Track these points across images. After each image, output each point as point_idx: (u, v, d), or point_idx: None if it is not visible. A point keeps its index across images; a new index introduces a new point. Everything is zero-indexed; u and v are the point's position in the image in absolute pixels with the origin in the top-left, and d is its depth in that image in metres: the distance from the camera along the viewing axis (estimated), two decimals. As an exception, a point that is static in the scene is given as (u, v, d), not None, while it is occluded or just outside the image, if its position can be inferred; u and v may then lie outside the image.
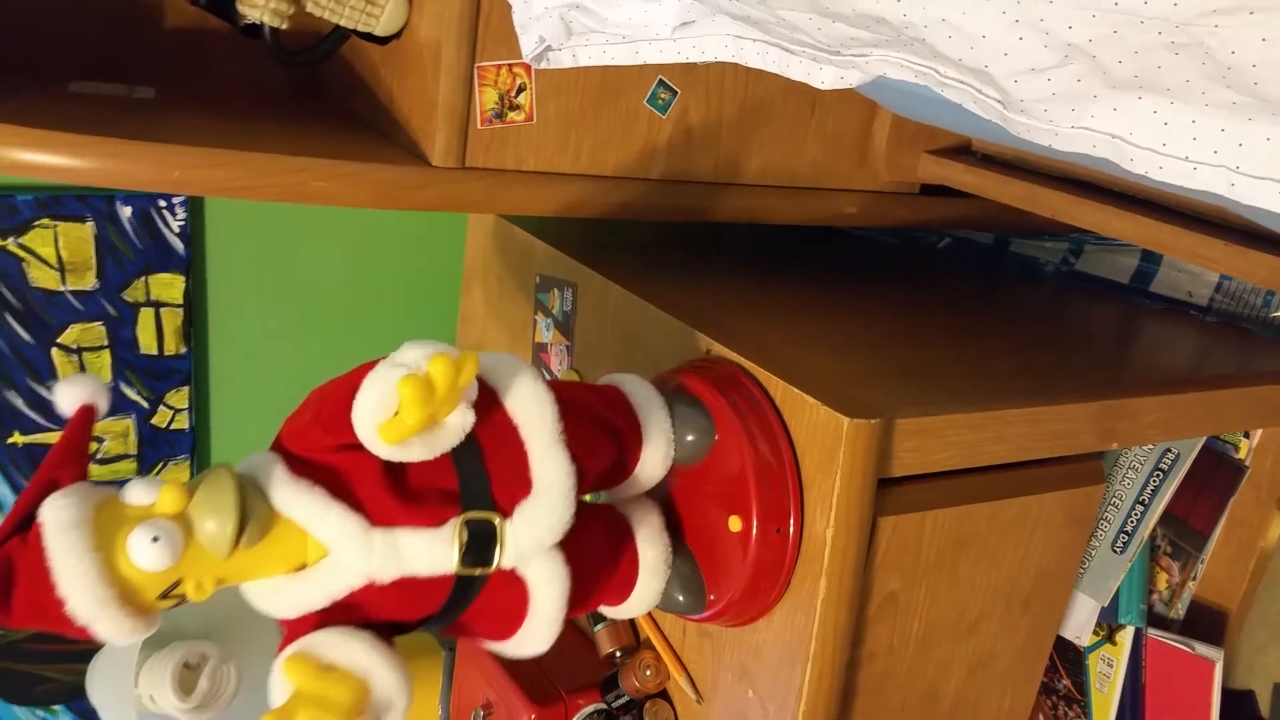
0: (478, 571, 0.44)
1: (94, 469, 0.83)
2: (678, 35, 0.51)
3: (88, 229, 0.78)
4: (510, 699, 0.64)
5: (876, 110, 0.79)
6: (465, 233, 0.89)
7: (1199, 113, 0.36)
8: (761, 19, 0.48)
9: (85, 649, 0.81)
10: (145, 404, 0.83)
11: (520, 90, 0.65)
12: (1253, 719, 0.92)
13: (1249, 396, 0.72)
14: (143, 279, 0.80)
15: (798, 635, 0.54)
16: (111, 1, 0.73)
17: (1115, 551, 0.78)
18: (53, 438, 0.80)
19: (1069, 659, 0.83)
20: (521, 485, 0.45)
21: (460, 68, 0.63)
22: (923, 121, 0.77)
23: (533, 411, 0.45)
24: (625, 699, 0.64)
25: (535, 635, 0.47)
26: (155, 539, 0.36)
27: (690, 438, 0.54)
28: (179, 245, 0.81)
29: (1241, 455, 0.84)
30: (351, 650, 0.41)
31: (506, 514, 0.44)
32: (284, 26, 0.65)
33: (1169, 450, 0.78)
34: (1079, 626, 0.79)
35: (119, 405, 0.82)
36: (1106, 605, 0.78)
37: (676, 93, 0.70)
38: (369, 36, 0.67)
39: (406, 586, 0.43)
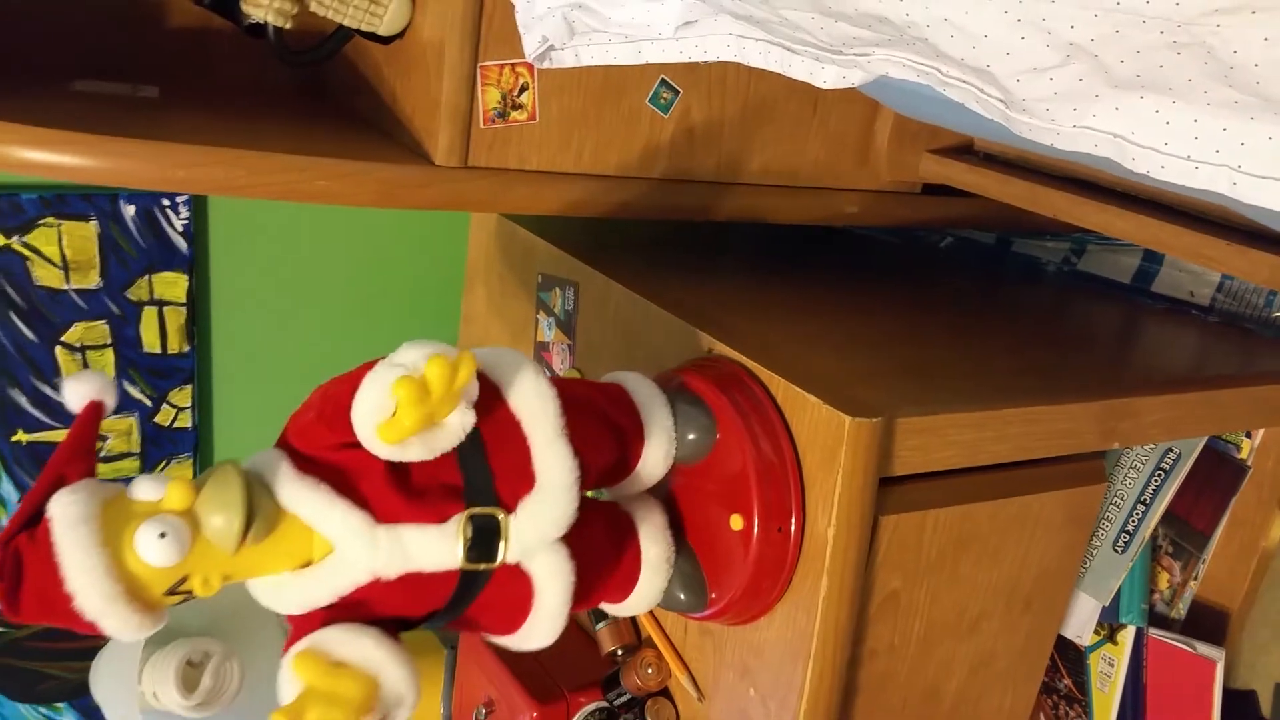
0: (482, 566, 0.44)
1: (98, 467, 0.84)
2: (680, 35, 0.51)
3: (91, 227, 0.78)
4: (512, 697, 0.64)
5: (878, 109, 0.79)
6: (468, 232, 0.89)
7: (1201, 112, 0.37)
8: (764, 18, 0.48)
9: (88, 646, 0.81)
10: (148, 402, 0.83)
11: (523, 90, 0.65)
12: (1254, 719, 0.92)
13: (1251, 396, 0.72)
14: (146, 277, 0.81)
15: (799, 634, 0.54)
16: (115, 1, 0.73)
17: (1117, 551, 0.78)
18: (57, 436, 0.81)
19: (1070, 658, 0.83)
20: (525, 480, 0.45)
21: (463, 67, 0.63)
22: (925, 121, 0.77)
23: (535, 406, 0.46)
24: (627, 697, 0.64)
25: (540, 628, 0.47)
26: (163, 535, 0.37)
27: (692, 436, 0.54)
28: (182, 244, 0.81)
29: (1243, 455, 0.84)
30: (361, 647, 0.41)
31: (510, 509, 0.44)
32: (288, 26, 0.65)
33: (1170, 450, 0.78)
34: (1080, 626, 0.79)
35: (122, 404, 0.82)
36: (1108, 605, 0.78)
37: (679, 92, 0.70)
38: (372, 36, 0.67)
39: (412, 582, 0.43)
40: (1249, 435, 0.84)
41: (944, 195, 0.84)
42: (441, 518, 0.43)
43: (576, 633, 0.69)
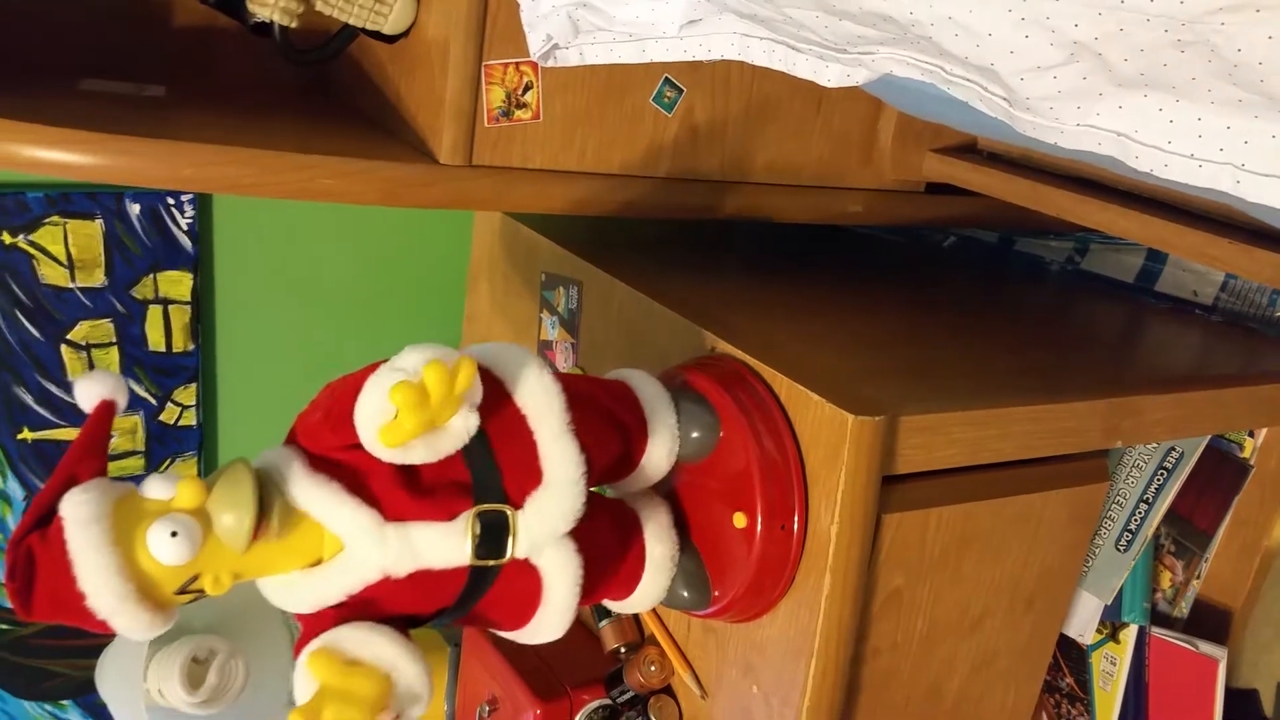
0: (491, 562, 0.44)
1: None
2: (684, 33, 0.51)
3: (97, 226, 0.78)
4: (515, 694, 0.65)
5: (882, 108, 0.79)
6: (471, 230, 0.90)
7: (1205, 110, 0.37)
8: (768, 17, 0.48)
9: (94, 644, 0.82)
10: (153, 401, 0.83)
11: (527, 88, 0.65)
12: (1256, 718, 0.92)
13: (1254, 395, 0.72)
14: (151, 276, 0.81)
15: (802, 631, 0.54)
16: (122, 0, 0.73)
17: (1119, 550, 0.78)
18: (62, 434, 0.81)
19: (1072, 657, 0.84)
20: (532, 476, 0.45)
21: (468, 66, 0.63)
22: (928, 119, 0.77)
23: (541, 402, 0.46)
24: (630, 694, 0.64)
25: (550, 622, 0.47)
26: (174, 534, 0.37)
27: (695, 434, 0.54)
28: (187, 242, 0.81)
29: (1246, 454, 0.84)
30: (375, 645, 0.41)
31: (518, 505, 0.44)
32: (293, 25, 0.65)
33: (1173, 449, 0.78)
34: (1082, 625, 0.79)
35: (127, 402, 0.83)
36: (1110, 603, 0.78)
37: (682, 91, 0.70)
38: (377, 35, 0.67)
39: (421, 580, 0.43)
40: (1252, 434, 0.84)
41: (947, 194, 0.84)
42: (450, 515, 0.43)
43: (579, 630, 0.69)
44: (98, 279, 0.79)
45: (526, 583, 0.46)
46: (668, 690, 0.64)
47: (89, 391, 0.40)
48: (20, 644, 0.82)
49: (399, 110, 0.69)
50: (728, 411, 0.54)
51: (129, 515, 0.38)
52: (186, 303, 0.83)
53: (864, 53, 0.45)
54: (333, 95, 0.81)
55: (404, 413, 0.39)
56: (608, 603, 0.55)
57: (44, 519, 0.38)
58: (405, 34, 0.67)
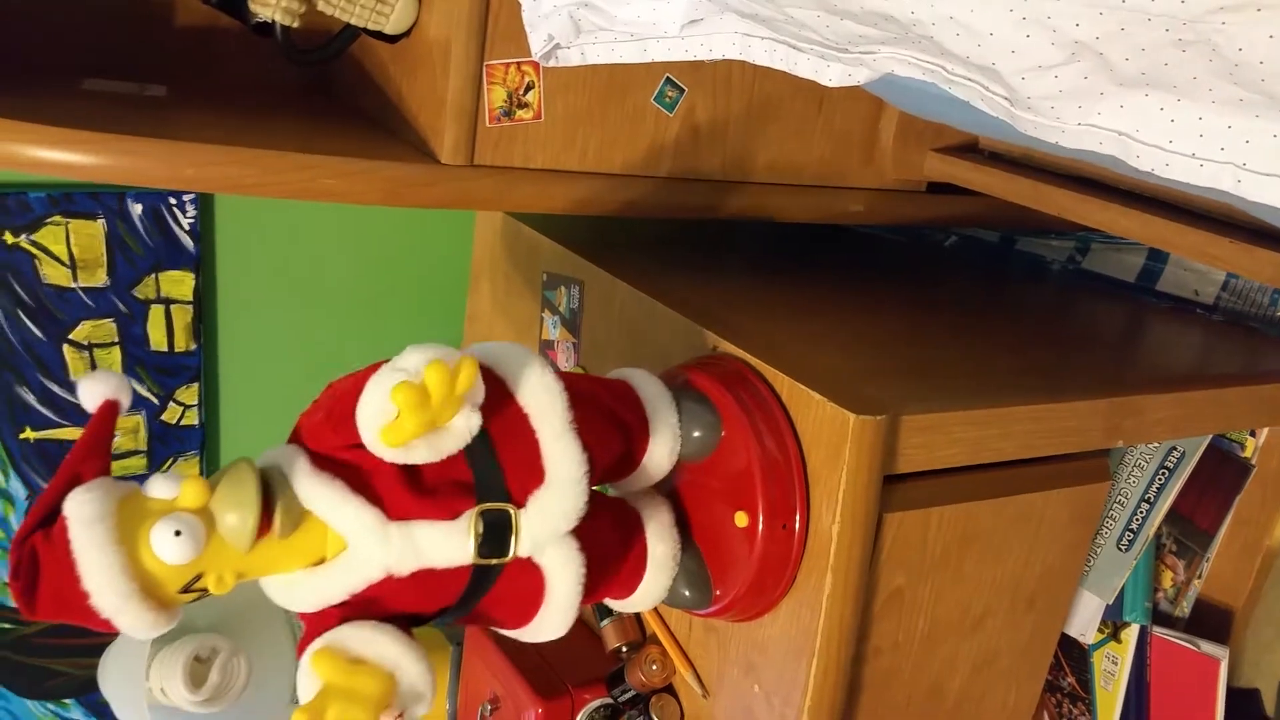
0: (494, 561, 0.44)
1: (104, 464, 0.84)
2: (686, 33, 0.51)
3: (99, 226, 0.78)
4: (517, 693, 0.65)
5: (883, 108, 0.79)
6: (473, 230, 0.90)
7: (1206, 110, 0.37)
8: (770, 16, 0.48)
9: (96, 643, 0.82)
10: (155, 400, 0.84)
11: (529, 88, 0.65)
12: (1258, 717, 0.92)
13: (1255, 395, 0.72)
14: (153, 276, 0.81)
15: (803, 631, 0.54)
16: (123, 0, 0.73)
17: (1120, 549, 0.78)
18: (64, 433, 0.81)
19: (1074, 656, 0.84)
20: (534, 475, 0.45)
21: (469, 66, 0.63)
22: (930, 119, 0.77)
23: (543, 401, 0.46)
24: (631, 694, 0.64)
25: (552, 620, 0.47)
26: (178, 533, 0.37)
27: (697, 434, 0.54)
28: (189, 242, 0.82)
29: (1247, 454, 0.84)
30: (378, 644, 0.41)
31: (520, 504, 0.45)
32: (295, 25, 0.65)
33: (1175, 448, 0.78)
34: (1084, 624, 0.79)
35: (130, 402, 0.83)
36: (1111, 603, 0.78)
37: (684, 90, 0.70)
38: (379, 35, 0.67)
39: (424, 578, 0.43)
40: (1253, 434, 0.84)
41: (949, 194, 0.84)
42: (453, 514, 0.43)
43: (581, 629, 0.69)
44: (100, 279, 0.79)
45: (529, 581, 0.46)
46: (669, 689, 0.64)
47: (92, 391, 0.40)
48: (23, 643, 0.82)
49: (400, 110, 0.69)
50: (729, 411, 0.54)
51: (133, 514, 0.38)
52: (188, 302, 0.83)
53: (865, 52, 0.45)
54: (334, 95, 0.81)
55: (405, 413, 0.40)
56: (609, 602, 0.55)
57: (48, 518, 0.38)
58: (407, 34, 0.67)
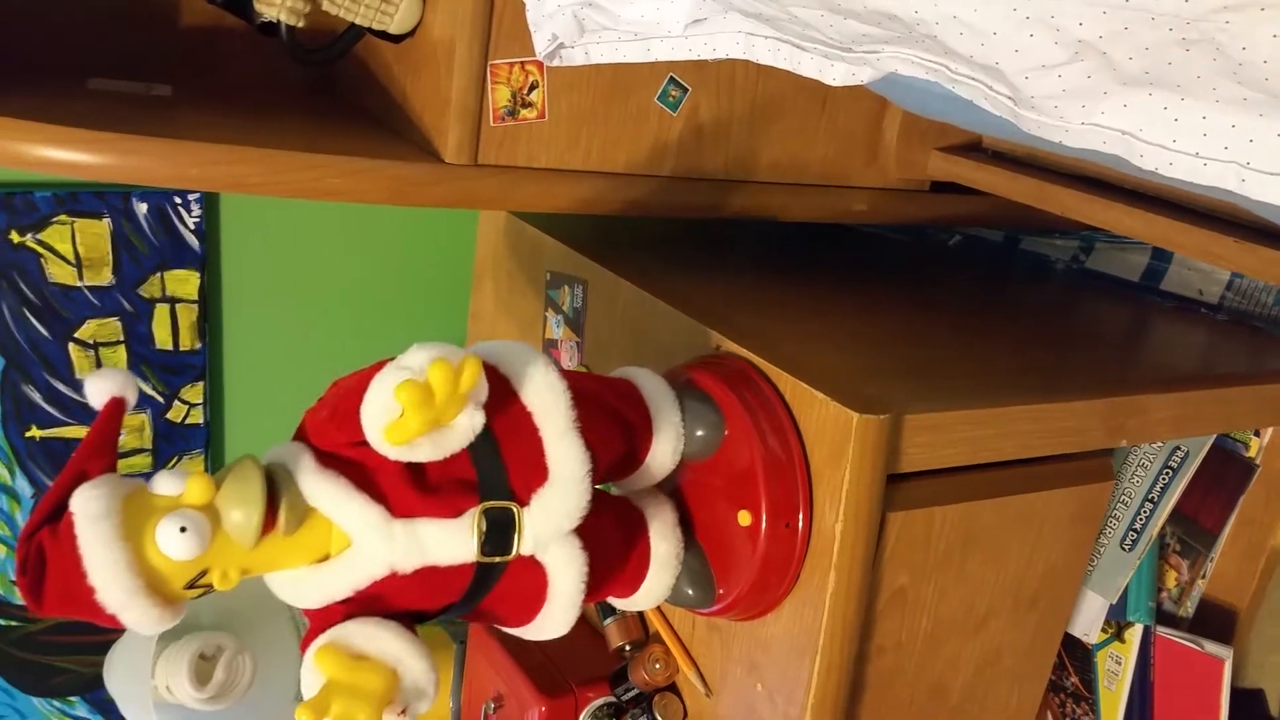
0: (497, 559, 0.44)
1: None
2: (690, 32, 0.51)
3: (104, 225, 0.79)
4: (520, 691, 0.65)
5: (887, 107, 0.79)
6: (476, 229, 0.90)
7: (1209, 109, 0.37)
8: (773, 16, 0.48)
9: (102, 640, 0.82)
10: (160, 399, 0.84)
11: (532, 88, 0.65)
12: (1262, 718, 0.92)
13: (1259, 394, 0.72)
14: (158, 275, 0.81)
15: (806, 630, 0.54)
16: (129, 0, 0.73)
17: (1124, 549, 0.78)
18: (70, 431, 0.81)
19: (1077, 656, 0.83)
20: (538, 473, 0.45)
21: (473, 65, 0.63)
22: (933, 118, 0.77)
23: (547, 399, 0.46)
24: (634, 692, 0.64)
25: (555, 618, 0.47)
26: (183, 529, 0.37)
27: (700, 433, 0.54)
28: (194, 241, 0.82)
29: (1252, 454, 0.84)
30: (382, 640, 0.41)
31: (524, 502, 0.45)
32: (300, 24, 0.65)
33: (1178, 448, 0.78)
34: (1087, 624, 0.79)
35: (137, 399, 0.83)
36: (1115, 603, 0.78)
37: (687, 90, 0.70)
38: (383, 35, 0.67)
39: (428, 576, 0.43)
40: (1257, 434, 0.83)
41: (952, 193, 0.84)
42: (456, 512, 0.43)
43: (584, 628, 0.69)
44: (105, 278, 0.80)
45: (532, 579, 0.46)
46: (672, 688, 0.64)
47: (99, 388, 0.40)
48: (28, 640, 0.83)
49: (405, 109, 0.70)
50: (732, 410, 0.54)
51: (139, 511, 0.38)
52: (193, 301, 0.83)
53: (869, 51, 0.45)
54: (339, 95, 0.81)
55: (409, 411, 0.40)
56: (613, 600, 0.55)
57: (54, 514, 0.38)
58: (411, 34, 0.67)
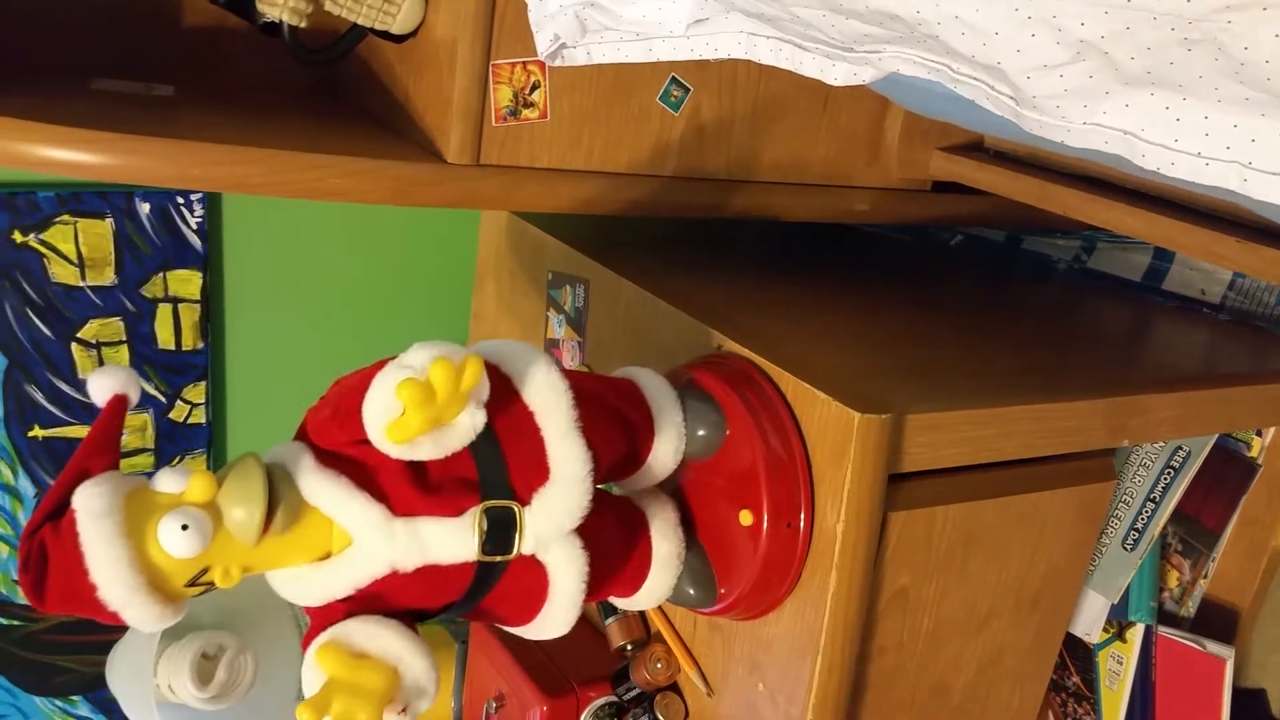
0: (498, 558, 0.44)
1: (112, 462, 0.84)
2: (691, 32, 0.51)
3: (107, 225, 0.79)
4: (522, 691, 0.65)
5: (889, 107, 0.79)
6: (478, 229, 0.90)
7: (1211, 109, 0.37)
8: (775, 16, 0.48)
9: (104, 640, 0.82)
10: (163, 399, 0.84)
11: (534, 88, 0.65)
12: (1264, 718, 0.92)
13: (1261, 394, 0.72)
14: (161, 275, 0.81)
15: (808, 629, 0.54)
16: (131, 0, 0.73)
17: (1126, 549, 0.78)
18: (72, 431, 0.82)
19: (1079, 656, 0.83)
20: (539, 473, 0.45)
21: (475, 65, 0.63)
22: (935, 118, 0.77)
23: (549, 399, 0.46)
24: (636, 691, 0.64)
25: (556, 618, 0.47)
26: (185, 527, 0.37)
27: (702, 432, 0.54)
28: (196, 242, 0.82)
29: (1253, 453, 0.84)
30: (382, 638, 0.42)
31: (525, 501, 0.45)
32: (302, 25, 0.65)
33: (1180, 448, 0.78)
34: (1089, 624, 0.79)
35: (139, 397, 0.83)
36: (1117, 603, 0.78)
37: (689, 90, 0.71)
38: (385, 35, 0.67)
39: (429, 574, 0.43)
40: (1259, 433, 0.83)
41: (954, 193, 0.84)
42: (457, 511, 0.43)
43: (586, 628, 0.69)
44: (108, 278, 0.80)
45: (533, 579, 0.47)
46: (674, 688, 0.64)
47: (102, 386, 0.40)
48: (30, 639, 0.83)
49: (407, 110, 0.70)
50: (734, 410, 0.54)
51: (141, 508, 0.38)
52: (196, 301, 0.83)
53: (871, 51, 0.45)
54: (341, 95, 0.81)
55: (410, 410, 0.40)
56: (614, 600, 0.55)
57: (57, 512, 0.38)
58: (413, 34, 0.68)
